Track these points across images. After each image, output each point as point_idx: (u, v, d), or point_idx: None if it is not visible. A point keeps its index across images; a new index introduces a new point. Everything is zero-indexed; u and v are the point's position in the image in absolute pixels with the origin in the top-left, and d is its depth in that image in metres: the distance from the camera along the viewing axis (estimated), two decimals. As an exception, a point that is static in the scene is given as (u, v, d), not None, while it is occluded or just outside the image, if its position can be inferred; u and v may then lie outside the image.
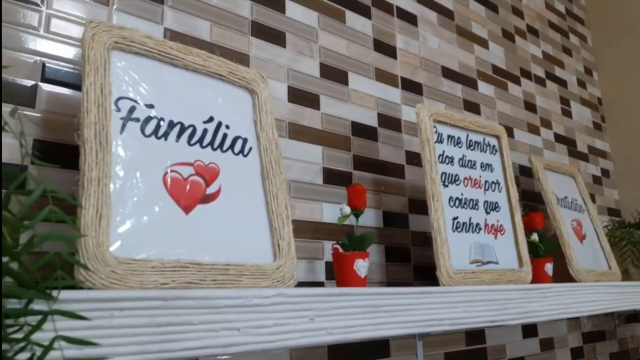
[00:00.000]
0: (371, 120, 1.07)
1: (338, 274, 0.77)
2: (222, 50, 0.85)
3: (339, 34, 1.05)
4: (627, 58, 1.87)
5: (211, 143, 0.66)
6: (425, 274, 1.08)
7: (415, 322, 0.69)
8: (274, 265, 0.64)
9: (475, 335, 1.15)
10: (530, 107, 1.54)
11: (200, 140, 0.65)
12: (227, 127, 0.68)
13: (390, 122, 1.11)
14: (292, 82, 0.94)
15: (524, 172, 1.42)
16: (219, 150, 0.66)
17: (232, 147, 0.68)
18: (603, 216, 1.72)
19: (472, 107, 1.33)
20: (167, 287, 0.54)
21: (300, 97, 0.95)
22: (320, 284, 0.90)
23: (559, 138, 1.63)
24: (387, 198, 1.06)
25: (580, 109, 1.79)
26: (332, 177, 0.97)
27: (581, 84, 1.84)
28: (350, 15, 1.08)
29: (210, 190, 0.63)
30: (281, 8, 0.96)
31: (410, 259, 1.07)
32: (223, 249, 0.61)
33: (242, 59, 0.87)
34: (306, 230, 0.91)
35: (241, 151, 0.69)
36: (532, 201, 1.40)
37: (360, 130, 1.04)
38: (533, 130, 1.53)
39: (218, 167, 0.65)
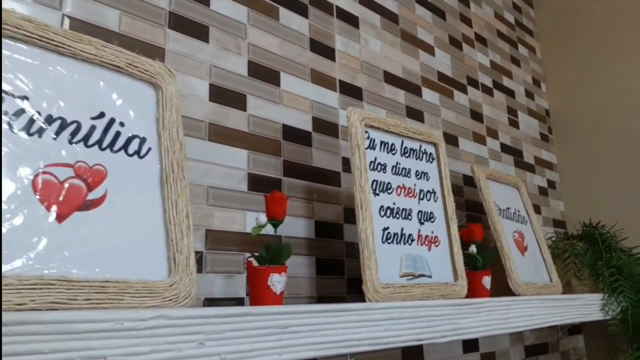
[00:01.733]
0: (305, 124, 1.01)
1: (251, 290, 0.70)
2: (132, 43, 0.77)
3: (272, 31, 0.99)
4: (575, 71, 1.89)
5: (99, 142, 0.58)
6: (359, 287, 1.02)
7: (328, 343, 0.63)
8: (167, 282, 0.57)
9: (413, 351, 1.10)
10: (477, 116, 1.52)
11: (86, 139, 0.57)
12: (122, 124, 0.61)
13: (327, 127, 1.05)
14: (214, 80, 0.87)
15: (468, 182, 1.39)
16: (108, 150, 0.59)
17: (125, 147, 0.60)
18: (548, 228, 1.71)
19: (415, 114, 1.29)
20: (24, 309, 0.46)
21: (224, 96, 0.88)
22: (240, 300, 0.83)
23: (505, 148, 1.61)
24: (320, 207, 1.00)
25: (528, 119, 1.79)
26: (258, 183, 0.90)
27: (529, 94, 1.84)
28: (284, 13, 1.02)
29: (93, 195, 0.56)
30: (205, 0, 0.90)
31: (344, 272, 1.01)
32: (103, 263, 0.53)
33: (157, 52, 0.80)
34: (226, 241, 0.84)
35: (137, 152, 0.61)
36: (475, 212, 1.37)
37: (292, 134, 0.98)
38: (479, 139, 1.50)
39: (105, 170, 0.57)
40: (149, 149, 0.63)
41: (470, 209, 1.38)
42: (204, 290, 0.79)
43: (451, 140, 1.39)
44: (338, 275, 1.00)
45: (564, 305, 1.15)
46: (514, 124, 1.70)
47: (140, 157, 0.61)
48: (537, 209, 1.69)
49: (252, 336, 0.56)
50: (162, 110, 0.65)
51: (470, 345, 1.25)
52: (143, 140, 0.62)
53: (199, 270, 0.79)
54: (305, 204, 0.97)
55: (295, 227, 0.94)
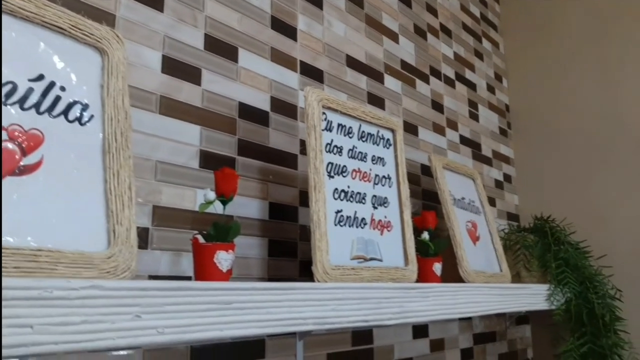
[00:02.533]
0: (263, 103, 0.99)
1: (197, 267, 0.68)
2: (79, 6, 0.74)
3: (231, 5, 0.97)
4: (536, 68, 1.93)
5: (36, 105, 0.55)
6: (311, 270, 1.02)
7: (274, 321, 0.63)
8: (105, 254, 0.55)
9: (362, 336, 1.11)
10: (438, 106, 1.54)
11: (22, 101, 0.54)
12: (62, 89, 0.58)
13: (285, 108, 1.04)
14: (168, 51, 0.85)
15: (425, 172, 1.41)
16: (46, 114, 0.56)
17: (65, 112, 0.57)
18: (502, 220, 1.75)
19: (376, 101, 1.29)
20: (-57, 275, 0.43)
21: (178, 69, 0.86)
22: (187, 279, 0.81)
23: (464, 140, 1.64)
24: (275, 189, 0.99)
25: (488, 113, 1.82)
26: (210, 161, 0.88)
27: (490, 89, 1.87)
28: (246, -12, 1.00)
29: (27, 160, 0.53)
30: (162, -31, 0.86)
31: (297, 254, 1.01)
32: (37, 232, 0.51)
33: (107, 18, 0.77)
34: (175, 218, 0.81)
35: (78, 119, 0.58)
36: (431, 201, 1.38)
37: (249, 113, 0.96)
38: (438, 130, 1.52)
39: (42, 135, 0.55)
40: (92, 116, 0.60)
41: (426, 197, 1.40)
42: (149, 267, 0.77)
43: (411, 129, 1.40)
44: (291, 258, 0.99)
45: (512, 294, 1.18)
46: (474, 116, 1.73)
47: (82, 124, 0.59)
48: (492, 202, 1.72)
49: (192, 311, 0.55)
50: (107, 77, 0.62)
51: (420, 330, 1.27)
52: (85, 107, 0.59)
53: (144, 247, 0.77)
54: (260, 185, 0.96)
55: (249, 207, 0.93)
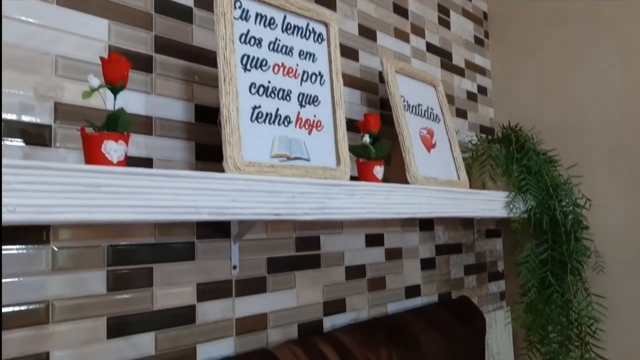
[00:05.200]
0: (185, -2, 0.93)
1: (86, 158, 0.65)
2: None
3: None
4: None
5: None
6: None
7: (155, 207, 0.60)
8: (-44, 133, 0.52)
9: (308, 241, 1.10)
10: (401, 11, 1.45)
11: None
12: None
13: (211, 4, 0.97)
14: (61, -64, 0.78)
15: (384, 80, 1.34)
16: None
17: None
18: (473, 132, 1.70)
19: (325, 1, 1.21)
20: None
21: (76, -44, 0.79)
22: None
23: (431, 48, 1.55)
24: (202, 90, 0.94)
25: (462, 20, 1.72)
26: (123, 58, 0.83)
27: (466, -5, 1.76)
28: None
29: None
30: None
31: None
32: None
33: None
34: (81, 116, 0.78)
35: None
36: (389, 110, 1.33)
37: (168, 7, 0.90)
38: (401, 36, 1.44)
39: None
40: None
41: (385, 107, 1.35)
42: (52, 164, 0.74)
43: (368, 33, 1.33)
44: (220, 162, 0.96)
45: (463, 198, 1.15)
46: (445, 23, 1.63)
47: None
48: (463, 114, 1.67)
49: (53, 191, 0.52)
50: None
51: (373, 239, 1.26)
52: None
53: (48, 144, 0.74)
54: (183, 86, 0.91)
55: (171, 109, 0.89)
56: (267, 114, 0.83)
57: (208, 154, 0.94)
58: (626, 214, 1.50)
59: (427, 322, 1.24)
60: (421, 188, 1.01)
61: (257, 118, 0.82)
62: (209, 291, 0.91)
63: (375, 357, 1.05)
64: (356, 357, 1.02)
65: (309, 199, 0.78)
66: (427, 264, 1.43)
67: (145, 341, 0.82)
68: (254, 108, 0.82)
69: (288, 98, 0.87)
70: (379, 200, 0.91)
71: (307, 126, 0.89)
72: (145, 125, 0.85)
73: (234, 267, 0.95)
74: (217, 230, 0.94)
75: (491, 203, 1.25)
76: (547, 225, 1.35)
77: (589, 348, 1.34)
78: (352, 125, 1.21)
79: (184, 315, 0.87)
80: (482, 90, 1.78)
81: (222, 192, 0.67)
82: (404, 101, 1.20)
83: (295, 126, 0.88)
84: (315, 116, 0.91)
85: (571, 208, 1.39)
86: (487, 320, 1.50)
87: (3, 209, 0.49)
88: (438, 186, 1.14)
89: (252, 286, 0.98)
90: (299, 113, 0.89)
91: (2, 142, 0.69)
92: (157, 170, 0.61)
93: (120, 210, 0.57)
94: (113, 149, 0.65)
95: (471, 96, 1.72)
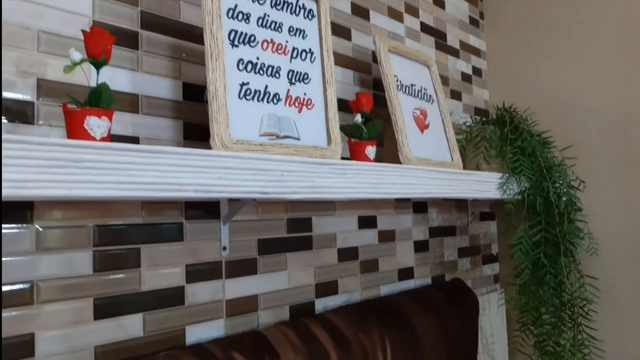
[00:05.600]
0: (171, -27, 0.91)
1: (68, 134, 0.64)
2: None
3: None
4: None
5: None
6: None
7: (137, 184, 0.59)
8: None
9: (300, 223, 1.09)
10: (394, -10, 1.42)
11: None
12: None
13: (201, -20, 0.95)
14: None
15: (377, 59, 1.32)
16: None
17: None
18: (467, 114, 1.68)
19: (316, -22, 1.18)
20: None
21: None
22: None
23: (425, 28, 1.53)
24: (190, 68, 0.92)
25: (456, 0, 1.69)
26: (107, 33, 0.81)
27: (461, -26, 1.73)
28: None
29: None
30: None
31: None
32: None
33: None
34: (60, 93, 0.76)
35: None
36: (382, 90, 1.31)
37: (154, -17, 0.88)
38: (395, 15, 1.41)
39: None
40: None
41: (378, 87, 1.33)
42: (35, 142, 0.73)
43: (361, 12, 1.30)
44: (206, 141, 0.95)
45: (456, 179, 1.14)
46: (439, 3, 1.61)
47: None
48: (457, 95, 1.65)
49: (29, 165, 0.51)
50: None
51: (366, 221, 1.25)
52: None
53: (31, 121, 0.72)
54: (171, 63, 0.89)
55: (158, 87, 0.87)
56: (255, 91, 0.82)
57: (196, 133, 0.92)
58: (619, 195, 1.50)
59: (420, 305, 1.24)
60: (413, 168, 1.00)
61: (245, 95, 0.80)
62: (198, 272, 0.90)
63: (367, 339, 1.05)
64: (348, 338, 1.01)
65: (298, 177, 0.77)
66: (420, 247, 1.42)
67: (133, 322, 0.81)
68: (242, 85, 0.80)
69: (277, 75, 0.86)
70: (370, 180, 0.90)
71: (297, 104, 0.88)
72: (131, 103, 0.84)
73: (224, 249, 0.94)
74: (206, 211, 0.92)
75: (484, 184, 1.24)
76: (540, 207, 1.35)
77: (581, 329, 1.34)
78: (344, 106, 1.20)
79: (173, 297, 0.87)
80: (477, 71, 1.76)
81: (208, 169, 0.66)
82: (397, 81, 1.19)
83: (285, 104, 0.86)
84: (305, 94, 0.89)
85: (565, 190, 1.38)
86: (480, 303, 1.50)
87: (-22, 184, 0.48)
88: (431, 166, 1.13)
89: (243, 268, 0.98)
90: (288, 90, 0.87)
91: (-18, 119, 0.67)
92: (140, 146, 0.59)
93: (101, 186, 0.56)
94: (96, 124, 0.63)
95: (466, 77, 1.70)
